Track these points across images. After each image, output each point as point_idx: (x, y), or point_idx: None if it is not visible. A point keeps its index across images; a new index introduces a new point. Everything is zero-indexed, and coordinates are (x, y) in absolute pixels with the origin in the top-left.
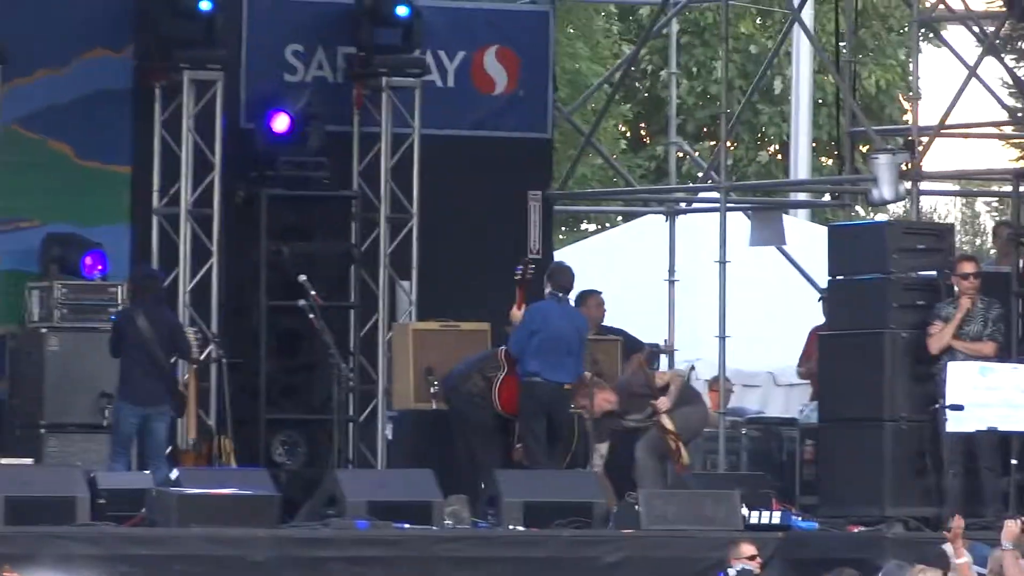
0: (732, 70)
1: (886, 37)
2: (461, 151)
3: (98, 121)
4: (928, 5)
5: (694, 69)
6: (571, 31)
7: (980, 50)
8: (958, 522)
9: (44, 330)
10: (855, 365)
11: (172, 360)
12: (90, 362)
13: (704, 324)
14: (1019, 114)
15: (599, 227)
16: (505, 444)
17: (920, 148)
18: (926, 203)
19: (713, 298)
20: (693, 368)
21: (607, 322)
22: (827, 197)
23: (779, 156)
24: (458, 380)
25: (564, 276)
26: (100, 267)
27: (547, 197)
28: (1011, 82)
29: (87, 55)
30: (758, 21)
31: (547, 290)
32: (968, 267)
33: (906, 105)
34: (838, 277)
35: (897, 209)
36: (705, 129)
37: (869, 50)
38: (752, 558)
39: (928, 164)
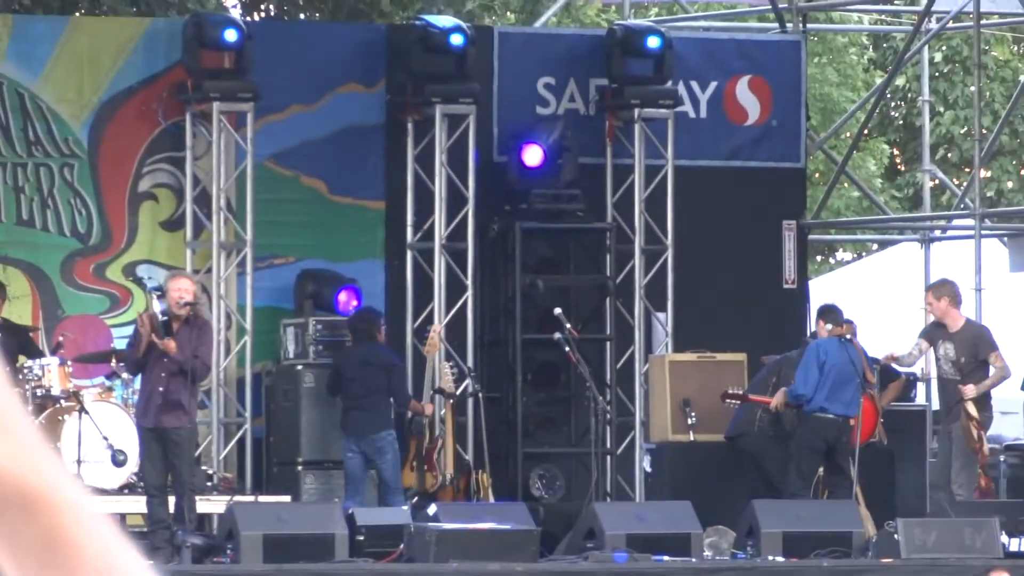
0: (998, 99)
1: None
2: (715, 181)
3: (351, 156)
4: None
5: (955, 98)
6: (822, 60)
7: None
8: None
9: (300, 367)
10: None
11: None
12: None
13: None
14: None
15: (855, 256)
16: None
17: None
18: None
19: None
20: None
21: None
22: None
23: None
24: (744, 424)
25: (836, 314)
26: (355, 303)
27: (802, 226)
28: None
29: (339, 90)
30: (1013, 48)
31: (825, 327)
32: None
33: None
34: None
35: None
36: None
37: None
38: None
39: None
